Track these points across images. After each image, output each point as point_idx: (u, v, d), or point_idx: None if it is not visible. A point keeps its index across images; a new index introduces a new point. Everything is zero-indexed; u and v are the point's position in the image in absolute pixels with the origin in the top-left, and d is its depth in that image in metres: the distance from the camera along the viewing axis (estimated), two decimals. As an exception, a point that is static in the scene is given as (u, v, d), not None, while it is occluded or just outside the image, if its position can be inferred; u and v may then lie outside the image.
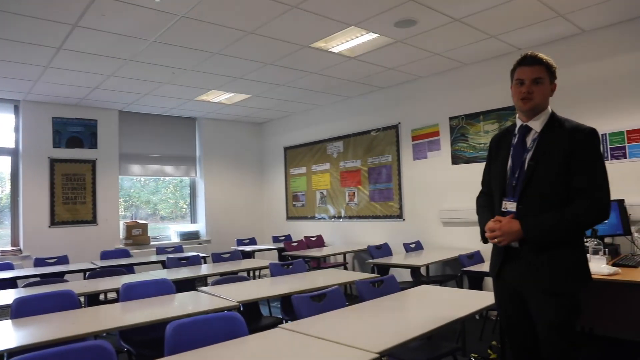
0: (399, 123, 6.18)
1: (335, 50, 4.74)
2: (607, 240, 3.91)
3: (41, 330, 2.38)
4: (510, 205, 2.06)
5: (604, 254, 3.32)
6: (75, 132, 6.64)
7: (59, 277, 4.34)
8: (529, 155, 2.05)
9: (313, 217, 7.52)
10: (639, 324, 2.87)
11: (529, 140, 2.08)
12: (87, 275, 4.42)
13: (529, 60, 2.05)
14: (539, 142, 2.04)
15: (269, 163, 8.56)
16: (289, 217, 8.03)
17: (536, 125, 2.07)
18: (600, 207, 1.93)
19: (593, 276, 2.92)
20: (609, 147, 4.27)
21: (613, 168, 4.20)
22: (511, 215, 2.03)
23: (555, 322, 1.93)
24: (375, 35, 4.39)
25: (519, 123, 2.14)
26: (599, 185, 1.93)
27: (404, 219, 6.09)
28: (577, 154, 1.93)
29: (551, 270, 1.94)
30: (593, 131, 1.97)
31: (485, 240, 2.16)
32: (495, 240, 2.04)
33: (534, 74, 2.03)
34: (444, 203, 5.61)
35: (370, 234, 6.52)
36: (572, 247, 1.98)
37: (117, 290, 3.39)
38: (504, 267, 2.10)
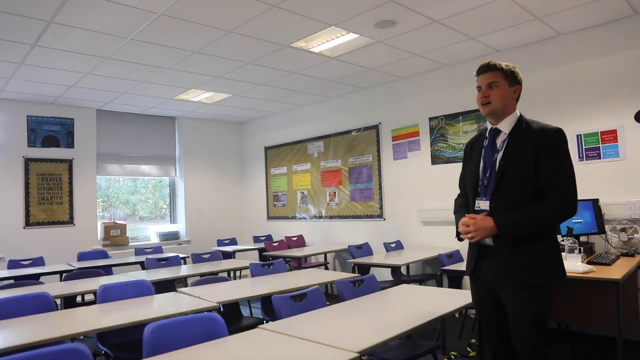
0: (379, 123, 6.21)
1: (316, 50, 4.74)
2: (582, 238, 4.00)
3: (15, 333, 2.32)
4: (483, 204, 2.14)
5: (579, 252, 3.39)
6: (51, 131, 6.51)
7: (34, 279, 4.24)
8: (499, 156, 2.13)
9: (294, 217, 7.51)
10: (613, 320, 2.94)
11: (499, 141, 2.17)
12: (63, 277, 4.33)
13: (482, 69, 2.19)
14: (508, 142, 2.12)
15: (249, 163, 8.51)
16: (269, 217, 8.00)
17: (505, 127, 2.16)
18: (568, 203, 2.00)
19: (569, 274, 2.99)
20: (583, 147, 4.36)
21: (588, 168, 4.30)
22: (485, 213, 2.09)
23: (529, 316, 1.98)
24: (355, 36, 4.40)
25: (489, 126, 2.24)
26: (566, 182, 2.00)
27: (384, 219, 6.13)
28: (545, 152, 2.02)
29: (525, 265, 2.00)
30: (559, 131, 2.05)
31: (460, 238, 2.22)
32: (469, 235, 2.09)
33: (488, 80, 2.16)
34: (423, 203, 5.65)
35: (350, 233, 6.54)
36: (544, 242, 2.04)
37: (94, 292, 3.33)
38: (479, 264, 2.16)
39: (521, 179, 2.04)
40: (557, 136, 2.03)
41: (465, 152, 2.40)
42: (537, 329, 1.98)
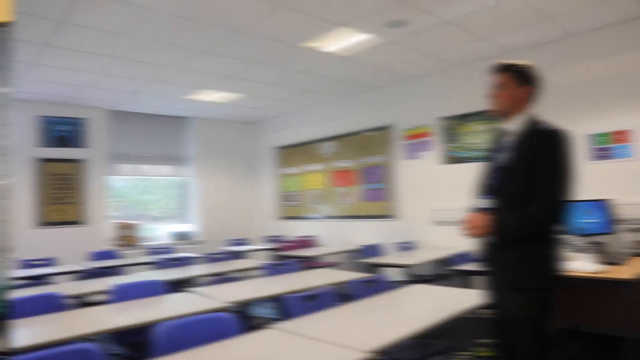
0: (391, 123, 6.19)
1: (327, 50, 4.73)
2: (595, 238, 3.94)
3: (27, 334, 2.33)
4: (484, 203, 2.16)
5: (591, 252, 3.35)
6: (62, 131, 6.56)
7: (46, 279, 4.27)
8: (503, 156, 2.13)
9: (305, 217, 7.51)
10: (624, 320, 2.90)
11: (506, 142, 2.16)
12: (75, 277, 4.36)
13: (492, 70, 2.23)
14: (513, 143, 2.11)
15: (261, 163, 8.53)
16: (281, 217, 8.01)
17: (512, 128, 2.15)
18: (553, 208, 1.97)
19: (580, 274, 2.97)
20: (596, 147, 4.31)
21: (599, 168, 4.25)
22: (483, 212, 2.11)
23: (521, 317, 1.98)
24: (366, 36, 4.39)
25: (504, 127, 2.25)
26: (554, 186, 1.97)
27: (396, 219, 6.10)
28: (540, 155, 1.99)
29: (514, 265, 2.01)
30: (557, 133, 2.00)
31: None
32: (466, 233, 2.14)
33: (496, 81, 2.19)
34: (435, 202, 5.62)
35: (362, 233, 6.52)
36: (537, 244, 2.01)
37: (106, 292, 3.35)
38: (485, 261, 2.21)
39: (519, 181, 2.03)
40: (554, 139, 2.00)
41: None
42: (531, 331, 1.96)
